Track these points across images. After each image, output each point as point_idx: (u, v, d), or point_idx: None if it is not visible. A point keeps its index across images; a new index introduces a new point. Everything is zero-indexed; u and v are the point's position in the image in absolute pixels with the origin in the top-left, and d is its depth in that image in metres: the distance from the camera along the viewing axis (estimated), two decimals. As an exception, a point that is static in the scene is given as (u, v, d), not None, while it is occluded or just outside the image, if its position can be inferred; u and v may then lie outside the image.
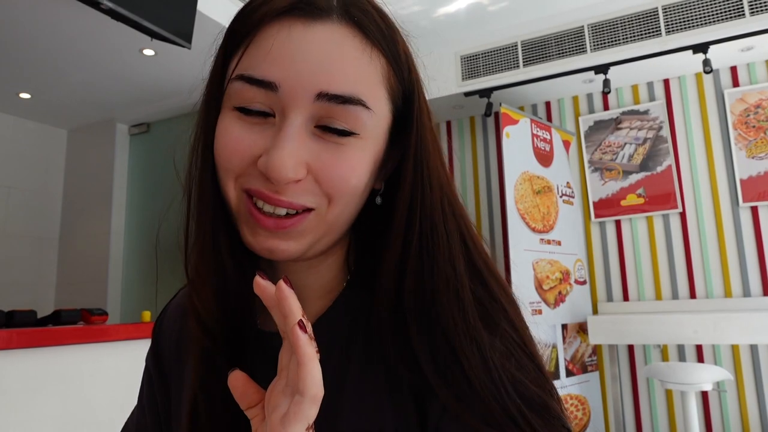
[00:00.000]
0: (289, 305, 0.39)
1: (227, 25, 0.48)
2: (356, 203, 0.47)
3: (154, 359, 0.61)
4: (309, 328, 0.39)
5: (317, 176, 0.44)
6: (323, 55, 0.43)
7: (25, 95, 3.48)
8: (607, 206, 3.40)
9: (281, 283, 0.39)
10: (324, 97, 0.43)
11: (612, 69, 3.10)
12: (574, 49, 3.14)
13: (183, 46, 2.23)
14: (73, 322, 1.96)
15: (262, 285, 0.40)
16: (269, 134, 0.44)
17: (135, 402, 0.64)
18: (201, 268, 0.49)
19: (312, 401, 0.37)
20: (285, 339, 0.41)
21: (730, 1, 2.80)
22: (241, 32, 0.46)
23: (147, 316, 2.28)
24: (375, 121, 0.46)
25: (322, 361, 0.48)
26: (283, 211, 0.44)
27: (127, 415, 0.65)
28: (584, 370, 3.13)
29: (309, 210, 0.45)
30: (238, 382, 0.43)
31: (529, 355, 0.46)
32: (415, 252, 0.47)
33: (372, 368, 0.48)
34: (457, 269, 0.47)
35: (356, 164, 0.45)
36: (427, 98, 0.51)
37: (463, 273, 0.47)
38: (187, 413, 0.51)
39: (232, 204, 0.46)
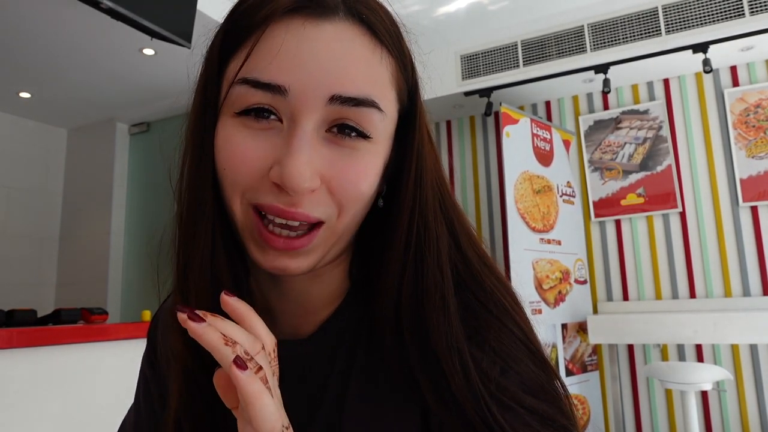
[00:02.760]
0: (221, 334, 0.37)
1: (220, 24, 0.46)
2: (364, 210, 0.46)
3: (149, 362, 0.61)
4: (256, 359, 0.37)
5: (330, 185, 0.42)
6: (334, 56, 0.41)
7: (25, 94, 3.48)
8: (607, 206, 3.40)
9: (208, 315, 0.37)
10: (337, 100, 0.41)
11: (612, 69, 3.10)
12: (574, 48, 3.14)
13: (183, 46, 2.23)
14: (73, 322, 1.96)
15: (230, 304, 0.39)
16: (278, 142, 0.41)
17: (132, 401, 0.64)
18: (196, 283, 0.45)
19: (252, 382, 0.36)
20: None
21: (729, 1, 2.80)
22: (241, 32, 0.43)
23: (147, 315, 2.28)
24: (386, 123, 0.45)
25: (326, 372, 0.48)
26: (296, 223, 0.42)
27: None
28: (584, 369, 3.13)
29: (320, 224, 0.43)
30: (221, 381, 0.40)
31: (532, 352, 0.46)
32: (412, 256, 0.46)
33: (376, 377, 0.48)
34: (444, 274, 0.46)
35: (369, 170, 0.44)
36: (424, 97, 0.50)
37: (449, 278, 0.46)
38: None
39: (238, 221, 0.44)
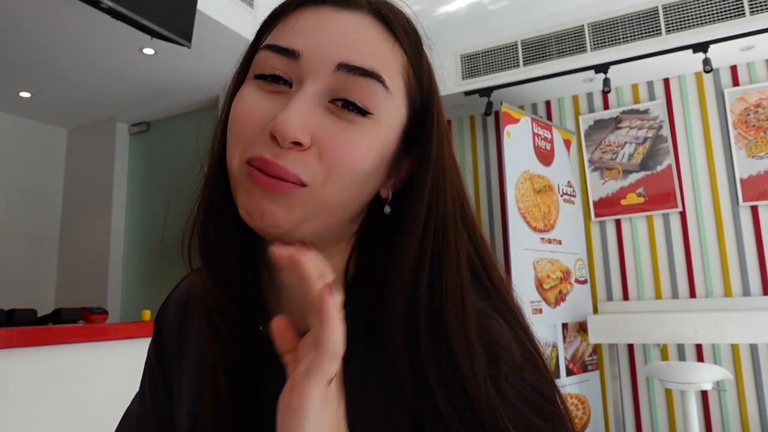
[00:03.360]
0: (318, 266, 0.40)
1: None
2: (354, 191, 0.46)
3: (156, 350, 0.62)
4: (338, 292, 0.40)
5: (321, 149, 0.43)
6: (347, 33, 0.45)
7: (25, 94, 3.48)
8: (607, 205, 3.40)
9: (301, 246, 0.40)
10: (344, 68, 0.43)
11: (612, 68, 3.10)
12: (574, 48, 3.14)
13: (183, 45, 2.23)
14: (73, 321, 1.96)
15: (283, 251, 0.41)
16: (283, 102, 0.44)
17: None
18: (206, 239, 0.50)
19: (331, 357, 0.38)
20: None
21: (730, 1, 2.80)
22: (277, 16, 0.48)
23: (147, 315, 2.28)
24: (390, 105, 0.46)
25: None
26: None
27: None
28: (584, 369, 3.13)
29: (303, 186, 0.44)
30: (281, 325, 0.43)
31: (532, 358, 0.47)
32: (428, 267, 0.46)
33: (369, 381, 0.48)
34: (464, 286, 0.47)
35: (363, 146, 0.44)
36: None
37: (469, 286, 0.47)
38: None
39: (233, 173, 0.46)
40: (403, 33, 0.48)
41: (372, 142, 0.45)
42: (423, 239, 0.47)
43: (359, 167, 0.44)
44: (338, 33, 0.44)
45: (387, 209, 0.49)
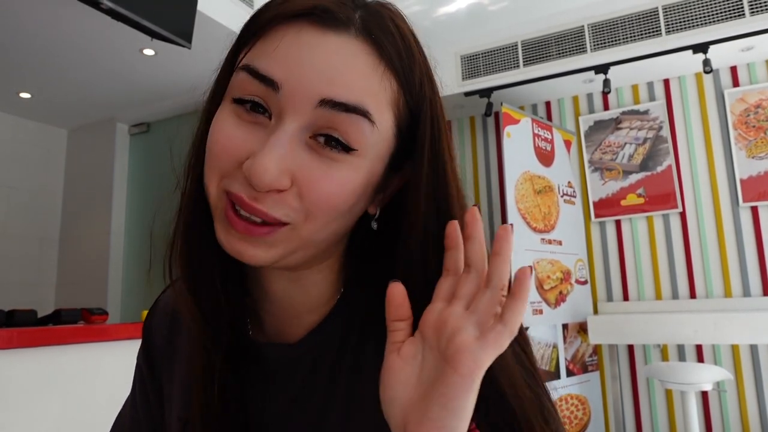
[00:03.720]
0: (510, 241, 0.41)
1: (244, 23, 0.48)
2: (338, 224, 0.45)
3: (145, 357, 0.61)
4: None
5: (301, 189, 0.41)
6: (332, 63, 0.41)
7: (25, 95, 3.48)
8: (607, 206, 3.40)
9: (474, 209, 0.42)
10: (327, 104, 0.41)
11: (612, 69, 3.10)
12: (575, 48, 3.14)
13: (183, 46, 2.23)
14: (73, 322, 1.96)
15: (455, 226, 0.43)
16: (261, 137, 0.42)
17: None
18: (182, 259, 0.49)
19: (511, 335, 0.39)
20: (450, 271, 0.43)
21: (730, 1, 2.80)
22: (256, 28, 0.44)
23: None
24: (377, 139, 0.43)
25: (313, 375, 0.50)
26: (258, 219, 0.42)
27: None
28: (585, 369, 3.13)
29: (283, 224, 0.42)
30: (398, 290, 0.42)
31: (528, 368, 0.48)
32: (426, 277, 0.45)
33: (361, 387, 0.48)
34: None
35: (346, 184, 0.42)
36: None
37: None
38: None
39: (211, 200, 0.45)
40: (396, 57, 0.44)
41: (356, 177, 0.43)
42: (423, 245, 0.45)
43: (340, 205, 0.43)
44: (322, 63, 0.41)
45: (374, 225, 0.48)
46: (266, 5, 0.46)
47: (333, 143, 0.41)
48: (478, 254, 0.42)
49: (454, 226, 0.43)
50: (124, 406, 0.64)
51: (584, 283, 3.27)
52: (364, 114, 0.41)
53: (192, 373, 0.52)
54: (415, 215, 0.45)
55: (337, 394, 0.49)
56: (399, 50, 0.44)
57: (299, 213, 0.42)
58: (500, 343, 0.38)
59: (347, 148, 0.42)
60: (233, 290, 0.51)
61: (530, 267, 0.40)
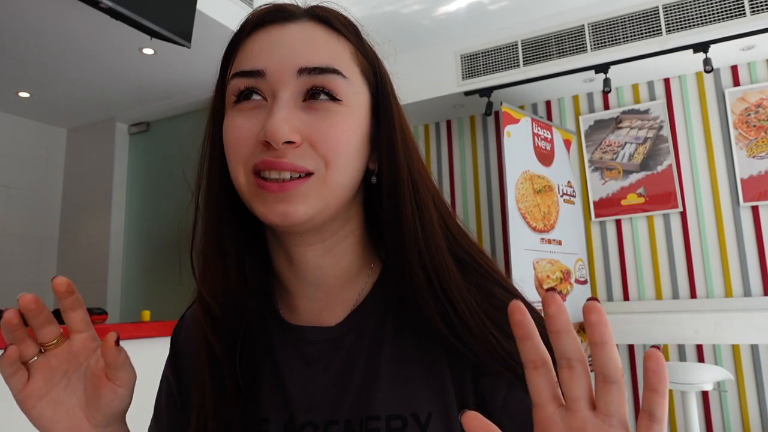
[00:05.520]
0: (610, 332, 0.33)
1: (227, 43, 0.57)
2: (353, 169, 0.52)
3: (173, 368, 0.64)
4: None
5: (311, 141, 0.49)
6: (298, 41, 0.51)
7: (24, 94, 3.47)
8: (608, 206, 3.40)
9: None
10: (305, 71, 0.50)
11: (612, 68, 3.09)
12: (575, 48, 3.14)
13: (183, 45, 2.22)
14: (72, 322, 1.95)
15: (523, 311, 0.35)
16: (265, 115, 0.50)
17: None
18: (207, 256, 0.55)
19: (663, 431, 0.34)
20: (535, 363, 0.36)
21: (730, 1, 2.80)
22: (230, 50, 0.55)
23: (146, 315, 2.27)
24: (353, 89, 0.52)
25: (354, 357, 0.55)
26: (287, 175, 0.49)
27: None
28: (584, 369, 3.12)
29: (310, 174, 0.49)
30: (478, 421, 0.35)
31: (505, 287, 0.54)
32: (420, 233, 0.53)
33: (405, 356, 0.53)
34: (439, 234, 0.54)
35: (345, 127, 0.51)
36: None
37: (442, 236, 0.55)
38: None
39: (243, 189, 0.51)
40: (343, 26, 0.54)
41: (349, 122, 0.51)
42: (412, 194, 0.53)
43: (349, 146, 0.51)
44: (290, 44, 0.51)
45: (374, 179, 0.56)
46: (234, 33, 0.55)
47: (322, 95, 0.50)
48: (575, 347, 0.35)
49: (518, 308, 0.35)
50: (149, 425, 0.66)
51: (584, 282, 3.27)
52: (335, 71, 0.51)
53: (201, 377, 0.55)
54: (396, 157, 0.54)
55: (380, 372, 0.53)
56: (345, 23, 0.55)
57: (319, 161, 0.49)
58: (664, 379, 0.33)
59: (334, 98, 0.50)
60: (262, 279, 0.58)
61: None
